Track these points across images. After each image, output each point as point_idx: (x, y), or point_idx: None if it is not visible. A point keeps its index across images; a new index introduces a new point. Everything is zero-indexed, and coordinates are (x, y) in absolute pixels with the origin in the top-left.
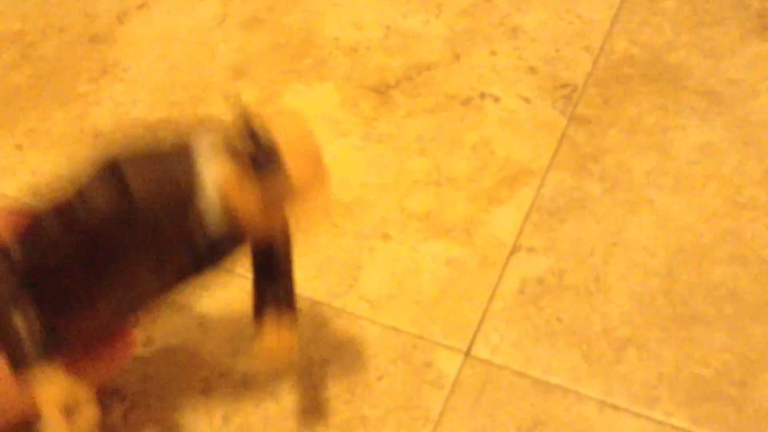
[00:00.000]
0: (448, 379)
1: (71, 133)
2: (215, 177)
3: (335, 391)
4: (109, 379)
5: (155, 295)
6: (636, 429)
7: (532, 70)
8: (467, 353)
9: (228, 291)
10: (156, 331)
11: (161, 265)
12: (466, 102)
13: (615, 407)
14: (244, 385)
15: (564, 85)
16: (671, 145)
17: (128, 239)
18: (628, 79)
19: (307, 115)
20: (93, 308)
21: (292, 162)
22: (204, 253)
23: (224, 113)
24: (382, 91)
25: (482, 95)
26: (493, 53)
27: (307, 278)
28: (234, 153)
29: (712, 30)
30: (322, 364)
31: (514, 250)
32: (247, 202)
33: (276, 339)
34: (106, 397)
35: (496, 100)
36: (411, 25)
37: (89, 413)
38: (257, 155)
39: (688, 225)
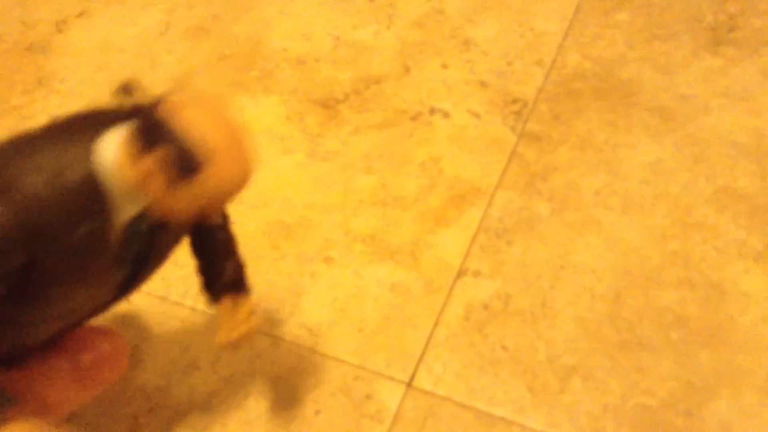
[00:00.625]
0: (388, 413)
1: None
2: (118, 168)
3: (270, 427)
4: (98, 395)
5: (100, 302)
6: None
7: (484, 84)
8: (409, 384)
9: (160, 319)
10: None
11: (86, 271)
12: (416, 117)
13: None
14: (175, 422)
15: (515, 101)
16: (621, 163)
17: (40, 257)
18: (579, 94)
19: (252, 129)
20: (31, 332)
21: (215, 157)
22: (134, 248)
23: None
24: (329, 105)
25: (432, 110)
26: (445, 66)
27: None
28: (140, 147)
29: (665, 44)
30: (257, 396)
31: (461, 273)
32: (158, 189)
33: (233, 321)
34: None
35: (446, 115)
36: (361, 37)
37: None
38: (175, 157)
39: (636, 247)
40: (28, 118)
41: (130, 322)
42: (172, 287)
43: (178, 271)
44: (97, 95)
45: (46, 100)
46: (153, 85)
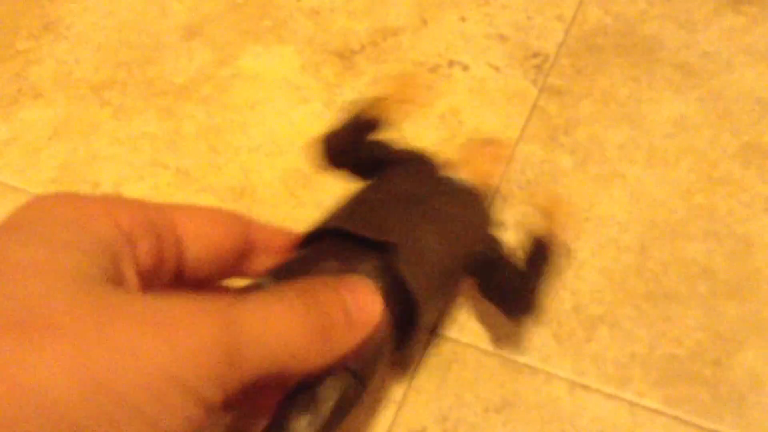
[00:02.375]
0: (412, 359)
1: (9, 93)
2: None
3: None
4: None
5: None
6: (607, 410)
7: (503, 38)
8: (433, 331)
9: None
10: None
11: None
12: (434, 69)
13: (586, 388)
14: None
15: (535, 55)
16: (644, 118)
17: None
18: (601, 50)
19: (266, 79)
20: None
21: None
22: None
23: (176, 74)
24: (346, 56)
25: (450, 63)
26: (463, 19)
27: None
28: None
29: (686, 1)
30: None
31: None
32: None
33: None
34: None
35: (465, 68)
36: None
37: None
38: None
39: (661, 200)
40: (35, 62)
41: None
42: None
43: None
44: (105, 41)
45: (53, 45)
46: (162, 32)
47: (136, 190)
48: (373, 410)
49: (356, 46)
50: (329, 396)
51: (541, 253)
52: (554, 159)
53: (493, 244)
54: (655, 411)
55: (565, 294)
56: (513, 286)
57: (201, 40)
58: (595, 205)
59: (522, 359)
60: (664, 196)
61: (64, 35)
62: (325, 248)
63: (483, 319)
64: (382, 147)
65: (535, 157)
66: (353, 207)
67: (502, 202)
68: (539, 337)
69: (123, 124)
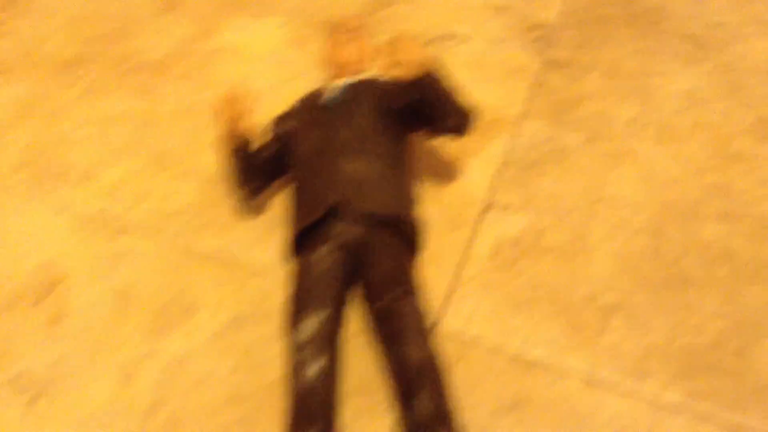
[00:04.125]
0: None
1: None
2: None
3: (281, 372)
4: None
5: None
6: (626, 408)
7: (501, 8)
8: (437, 326)
9: (151, 258)
10: (66, 305)
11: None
12: (431, 42)
13: (601, 383)
14: (175, 369)
15: (536, 26)
16: (654, 92)
17: None
18: (606, 20)
19: (251, 53)
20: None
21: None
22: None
23: (152, 50)
24: None
25: (447, 36)
26: None
27: None
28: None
29: None
30: (266, 340)
31: (487, 207)
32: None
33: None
34: None
35: (464, 40)
36: None
37: None
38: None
39: (674, 179)
40: (0, 37)
41: (119, 262)
42: (165, 224)
43: (172, 205)
44: (77, 14)
45: (18, 20)
46: (137, 4)
47: (106, 178)
48: (373, 413)
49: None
50: None
51: (431, 81)
52: (561, 136)
53: (402, 94)
54: (677, 406)
55: (576, 281)
56: (447, 105)
57: (179, 13)
58: (605, 184)
59: (533, 354)
60: (677, 174)
61: (31, 8)
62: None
63: (490, 311)
64: (265, 147)
65: (540, 134)
66: (301, 202)
67: (506, 181)
68: (551, 330)
69: (94, 104)
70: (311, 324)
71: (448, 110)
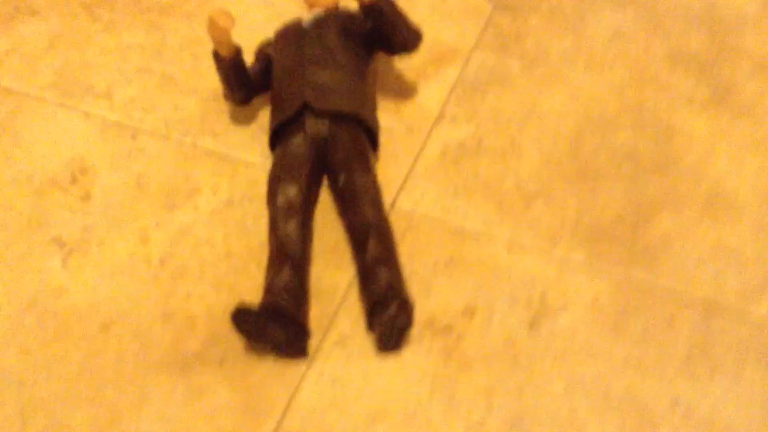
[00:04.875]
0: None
1: (7, 11)
2: None
3: (267, 238)
4: None
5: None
6: (538, 265)
7: None
8: (392, 206)
9: (162, 154)
10: (94, 187)
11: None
12: None
13: (521, 247)
14: (181, 234)
15: None
16: (586, 28)
17: None
18: None
19: None
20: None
21: None
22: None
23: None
24: None
25: None
26: None
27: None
28: None
29: None
30: (255, 216)
31: (439, 118)
32: None
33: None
34: None
35: None
36: None
37: None
38: None
39: (596, 97)
40: None
41: (136, 157)
42: (173, 128)
43: (179, 114)
44: None
45: None
46: None
47: (125, 93)
48: (338, 269)
49: None
50: None
51: (379, 7)
52: (504, 64)
53: (361, 20)
54: (580, 264)
55: (508, 174)
56: (396, 26)
57: None
58: (538, 102)
59: (468, 226)
60: (599, 93)
61: None
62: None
63: (436, 196)
64: (252, 65)
65: (487, 62)
66: (277, 103)
67: (456, 99)
68: (484, 209)
69: (113, 37)
70: (287, 193)
71: (398, 30)
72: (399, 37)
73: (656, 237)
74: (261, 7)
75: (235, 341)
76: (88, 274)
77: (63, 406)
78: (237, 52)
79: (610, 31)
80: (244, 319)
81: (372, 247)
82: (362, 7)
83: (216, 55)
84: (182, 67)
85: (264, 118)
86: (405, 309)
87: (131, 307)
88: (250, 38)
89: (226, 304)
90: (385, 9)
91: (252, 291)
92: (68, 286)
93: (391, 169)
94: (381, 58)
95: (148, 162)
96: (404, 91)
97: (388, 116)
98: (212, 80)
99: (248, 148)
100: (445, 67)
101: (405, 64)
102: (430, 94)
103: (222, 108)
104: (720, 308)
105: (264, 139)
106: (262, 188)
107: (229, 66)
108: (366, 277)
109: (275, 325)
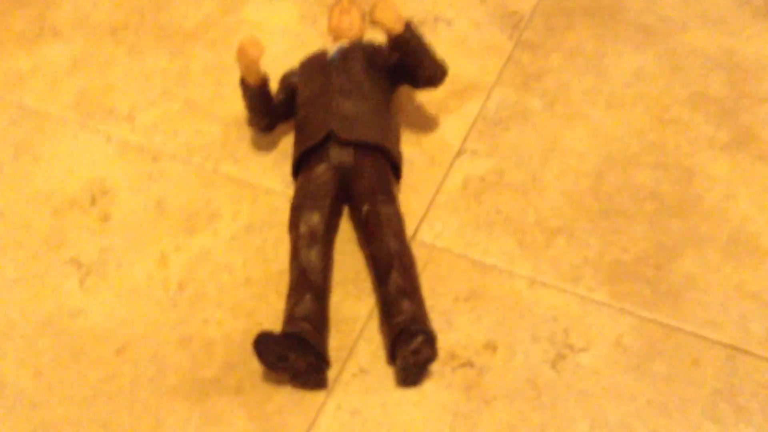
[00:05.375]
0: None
1: (31, 31)
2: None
3: (286, 265)
4: None
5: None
6: (561, 302)
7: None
8: (413, 238)
9: (182, 178)
10: (113, 209)
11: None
12: (421, 23)
13: (543, 284)
14: (201, 258)
15: (512, 14)
16: (607, 69)
17: None
18: (571, 11)
19: (268, 26)
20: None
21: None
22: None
23: (185, 20)
24: None
25: (436, 18)
26: None
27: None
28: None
29: None
30: (275, 242)
31: (460, 152)
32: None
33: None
34: None
35: (449, 23)
36: None
37: None
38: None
39: (618, 137)
40: (54, 5)
41: (156, 180)
42: (195, 153)
43: (201, 139)
44: None
45: None
46: None
47: (147, 116)
48: (357, 298)
49: None
50: None
51: (407, 40)
52: (525, 101)
53: (387, 53)
54: (603, 303)
55: (529, 210)
56: (422, 59)
57: None
58: (559, 139)
59: (489, 261)
60: (620, 133)
61: None
62: (310, 167)
63: (457, 229)
64: (277, 93)
65: (508, 98)
66: (302, 132)
67: (477, 134)
68: (505, 244)
69: (136, 61)
70: (310, 221)
71: (424, 64)
72: (425, 70)
73: (679, 278)
74: (284, 37)
75: (252, 369)
76: (106, 295)
77: (76, 430)
78: (264, 81)
79: (630, 72)
80: (266, 346)
81: (395, 278)
82: (391, 39)
83: (243, 83)
84: (205, 92)
85: (284, 145)
86: (430, 342)
87: (148, 331)
88: (273, 67)
89: (244, 330)
90: (412, 42)
91: (270, 318)
92: (85, 307)
93: (412, 200)
94: (403, 90)
95: (169, 185)
96: (426, 123)
97: (409, 148)
98: (234, 107)
99: (269, 175)
100: (466, 102)
101: (426, 97)
102: (451, 128)
103: (243, 134)
104: (744, 352)
105: (284, 166)
106: (282, 215)
107: (256, 94)
108: (388, 308)
109: (296, 353)
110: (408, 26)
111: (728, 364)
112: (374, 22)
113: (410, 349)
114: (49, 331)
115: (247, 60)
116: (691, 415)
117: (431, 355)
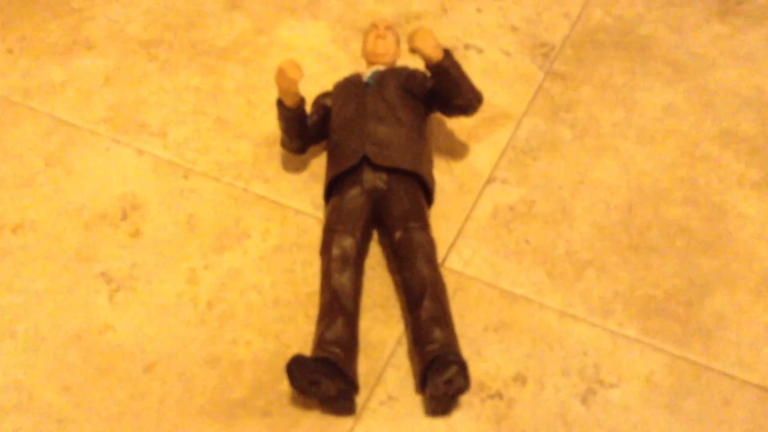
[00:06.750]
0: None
1: (65, 44)
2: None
3: (315, 287)
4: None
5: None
6: (591, 337)
7: (514, 28)
8: (441, 265)
9: (213, 195)
10: (144, 224)
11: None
12: (452, 51)
13: (573, 317)
14: (230, 277)
15: (543, 44)
16: (637, 103)
17: None
18: (602, 44)
19: (300, 47)
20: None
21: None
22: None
23: (218, 39)
24: None
25: (467, 46)
26: (479, 10)
27: (295, 190)
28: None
29: (680, 9)
30: (304, 264)
31: (490, 180)
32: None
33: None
34: None
35: (480, 51)
36: None
37: None
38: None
39: (648, 171)
40: (88, 19)
41: (187, 197)
42: (225, 171)
43: (231, 158)
44: (154, 6)
45: (106, 6)
46: (206, 2)
47: (179, 133)
48: (388, 326)
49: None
50: None
51: (446, 68)
52: (555, 131)
53: (422, 78)
54: (633, 339)
55: (559, 241)
56: (458, 87)
57: (242, 11)
58: (589, 170)
59: (518, 291)
60: (651, 167)
61: None
62: (342, 190)
63: (486, 257)
64: (311, 115)
65: (538, 128)
66: (336, 155)
67: (507, 162)
68: (535, 275)
69: (169, 77)
70: (343, 244)
71: (461, 92)
72: (461, 98)
73: (710, 316)
74: (315, 59)
75: (280, 391)
76: (135, 312)
77: None
78: (301, 103)
79: (660, 107)
80: (299, 370)
81: (427, 305)
82: (429, 66)
83: (280, 104)
84: (236, 111)
85: (315, 167)
86: (463, 372)
87: (176, 349)
88: (303, 88)
89: (273, 352)
90: (451, 70)
91: (298, 341)
92: (114, 323)
93: (441, 227)
94: (433, 116)
95: (199, 203)
96: (456, 150)
97: (439, 175)
98: (266, 126)
99: (299, 196)
100: (496, 130)
101: (457, 125)
102: (481, 156)
103: (274, 154)
104: None
105: (314, 188)
106: (312, 237)
107: (292, 116)
108: (420, 336)
109: (327, 378)
110: (447, 54)
111: (759, 406)
112: (413, 50)
113: (443, 379)
114: (77, 346)
115: (285, 82)
116: None
117: (464, 385)
